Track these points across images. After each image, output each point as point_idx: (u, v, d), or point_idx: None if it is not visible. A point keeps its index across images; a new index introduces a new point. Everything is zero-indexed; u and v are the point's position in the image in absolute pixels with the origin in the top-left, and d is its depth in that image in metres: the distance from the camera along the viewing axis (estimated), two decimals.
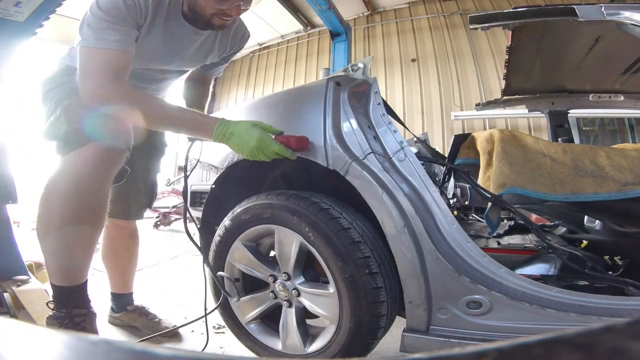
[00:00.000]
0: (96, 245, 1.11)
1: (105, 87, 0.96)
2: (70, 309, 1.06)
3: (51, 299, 1.08)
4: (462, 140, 1.37)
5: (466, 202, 1.92)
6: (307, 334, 1.10)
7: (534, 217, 2.07)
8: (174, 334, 1.44)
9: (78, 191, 0.99)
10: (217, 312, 1.24)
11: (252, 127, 0.96)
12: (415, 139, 1.80)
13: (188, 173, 1.20)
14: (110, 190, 1.42)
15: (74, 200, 0.99)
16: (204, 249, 1.23)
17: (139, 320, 1.49)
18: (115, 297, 1.54)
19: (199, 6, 1.07)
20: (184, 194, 1.19)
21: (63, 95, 1.11)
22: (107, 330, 1.51)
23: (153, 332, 1.42)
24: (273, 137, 0.97)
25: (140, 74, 1.23)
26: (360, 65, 1.09)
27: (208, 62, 1.33)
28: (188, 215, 1.19)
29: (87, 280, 1.11)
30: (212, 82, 1.54)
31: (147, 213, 1.59)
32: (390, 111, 1.16)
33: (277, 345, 1.13)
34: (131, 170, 1.37)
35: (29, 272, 1.54)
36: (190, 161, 1.39)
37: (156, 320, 1.49)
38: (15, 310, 1.34)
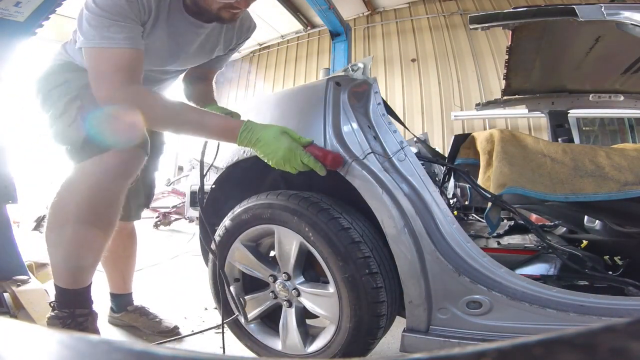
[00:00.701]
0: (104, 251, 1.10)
1: (121, 90, 0.92)
2: (73, 309, 1.05)
3: (53, 298, 1.08)
4: (462, 140, 1.37)
5: (466, 202, 1.92)
6: (307, 334, 1.10)
7: (534, 217, 2.07)
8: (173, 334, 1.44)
9: (96, 199, 0.97)
10: (217, 312, 1.24)
11: (281, 135, 0.90)
12: (415, 139, 1.80)
13: (205, 172, 1.16)
14: None
15: (90, 207, 0.97)
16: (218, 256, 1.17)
17: (139, 321, 1.49)
18: (115, 297, 1.54)
19: (204, 1, 1.01)
20: (200, 199, 1.15)
21: (73, 94, 1.05)
22: (107, 331, 1.51)
23: (154, 332, 1.43)
24: (304, 149, 0.91)
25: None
26: (360, 65, 1.09)
27: (214, 56, 1.25)
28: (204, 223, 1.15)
29: (92, 283, 1.10)
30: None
31: (147, 213, 1.60)
32: (390, 111, 1.16)
33: (277, 345, 1.13)
34: None
35: (29, 272, 1.54)
36: (191, 161, 1.39)
37: (157, 320, 1.49)
38: (15, 310, 1.34)
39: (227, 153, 1.22)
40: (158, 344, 1.33)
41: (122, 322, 1.53)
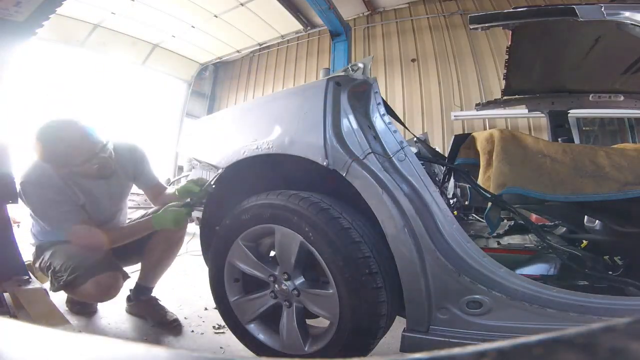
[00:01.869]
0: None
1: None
2: None
3: (53, 299, 1.10)
4: (462, 140, 1.37)
5: (466, 202, 1.93)
6: (307, 334, 1.09)
7: (534, 217, 2.07)
8: (175, 332, 1.49)
9: None
10: (217, 312, 1.24)
11: (170, 211, 1.36)
12: (415, 139, 1.80)
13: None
14: None
15: None
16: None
17: (147, 310, 1.60)
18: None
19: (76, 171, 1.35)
20: None
21: None
22: (120, 319, 1.62)
23: (155, 323, 1.54)
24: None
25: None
26: (360, 65, 1.08)
27: (129, 184, 1.62)
28: None
29: None
30: (211, 83, 1.63)
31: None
32: (390, 111, 1.16)
33: (277, 345, 1.13)
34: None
35: (28, 272, 1.54)
36: (191, 161, 1.39)
37: (162, 312, 1.59)
38: (15, 310, 1.34)
39: (227, 153, 1.22)
40: None
41: (133, 311, 1.66)
